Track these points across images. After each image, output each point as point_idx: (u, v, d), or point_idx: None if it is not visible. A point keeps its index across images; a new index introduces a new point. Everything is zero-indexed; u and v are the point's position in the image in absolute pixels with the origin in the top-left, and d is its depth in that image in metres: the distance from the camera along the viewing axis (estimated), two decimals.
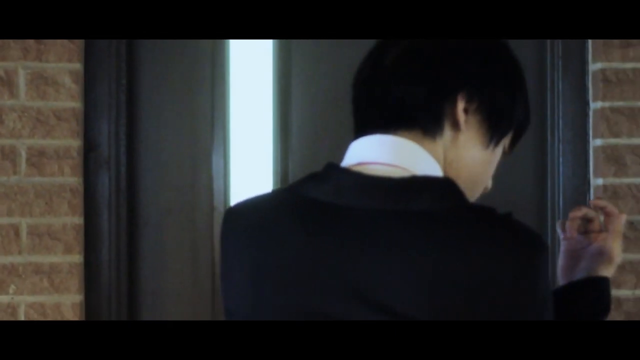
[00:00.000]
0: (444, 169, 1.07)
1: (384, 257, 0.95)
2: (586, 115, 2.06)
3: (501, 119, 1.10)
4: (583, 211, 1.35)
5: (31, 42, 1.90)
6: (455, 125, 1.06)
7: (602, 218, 1.36)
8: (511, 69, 1.12)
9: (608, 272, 1.31)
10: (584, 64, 2.06)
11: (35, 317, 1.89)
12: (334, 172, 1.06)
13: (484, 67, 1.08)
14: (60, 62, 1.91)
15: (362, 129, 1.09)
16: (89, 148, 1.98)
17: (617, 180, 1.99)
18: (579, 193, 2.06)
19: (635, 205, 1.98)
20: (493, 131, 1.09)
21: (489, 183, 1.16)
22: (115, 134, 1.99)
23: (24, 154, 1.90)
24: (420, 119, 1.05)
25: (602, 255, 1.32)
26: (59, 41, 1.90)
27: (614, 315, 1.96)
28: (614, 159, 1.99)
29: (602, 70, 1.99)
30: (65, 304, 1.90)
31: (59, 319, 1.89)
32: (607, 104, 1.99)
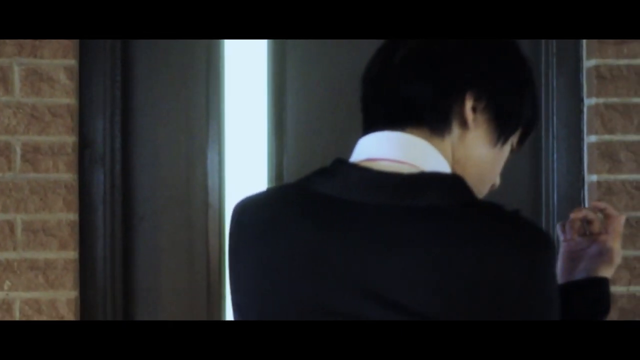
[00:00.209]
0: (452, 166, 1.07)
1: (392, 253, 0.95)
2: (580, 111, 2.06)
3: (509, 118, 1.10)
4: (583, 213, 1.35)
5: None
6: (464, 124, 1.07)
7: (600, 217, 1.37)
8: (520, 67, 1.13)
9: (608, 272, 1.31)
10: (578, 60, 2.06)
11: (30, 313, 1.89)
12: (343, 168, 1.06)
13: (492, 65, 1.09)
14: (55, 58, 1.91)
15: (371, 125, 1.10)
16: (84, 144, 1.98)
17: (611, 177, 2.00)
18: (574, 189, 2.07)
19: (630, 202, 1.99)
20: (501, 129, 1.10)
21: (497, 180, 1.16)
22: (110, 131, 1.99)
23: (18, 150, 1.90)
24: (428, 117, 1.06)
25: (602, 256, 1.32)
26: None
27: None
28: (608, 155, 1.99)
29: (597, 67, 2.00)
30: (60, 300, 1.90)
31: (54, 315, 1.89)
32: (601, 101, 2.00)
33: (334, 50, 2.06)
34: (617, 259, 1.33)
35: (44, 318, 1.89)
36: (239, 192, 2.07)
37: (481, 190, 1.13)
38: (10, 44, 1.89)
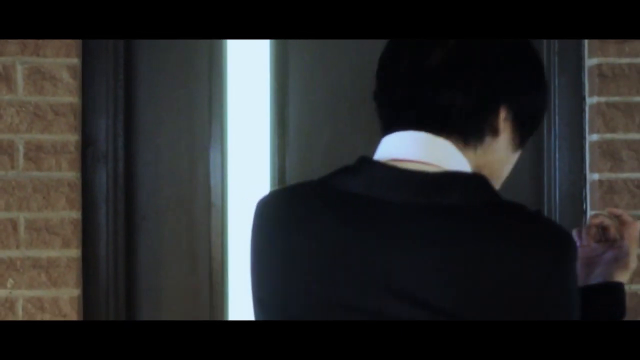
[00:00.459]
0: (473, 169, 1.08)
1: (416, 250, 0.96)
2: (582, 110, 2.06)
3: (532, 123, 1.12)
4: (600, 219, 1.37)
5: None
6: (494, 133, 1.08)
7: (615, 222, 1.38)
8: (540, 72, 1.14)
9: (623, 278, 1.34)
10: (580, 59, 2.06)
11: (33, 311, 1.90)
12: (367, 166, 1.06)
13: (523, 74, 1.10)
14: (58, 57, 1.91)
15: (394, 125, 1.09)
16: (87, 143, 1.98)
17: (613, 176, 2.00)
18: (575, 188, 2.07)
19: (631, 200, 1.99)
20: (525, 135, 1.12)
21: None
22: (113, 129, 1.99)
23: (21, 149, 1.90)
24: (462, 126, 1.06)
25: (618, 262, 1.34)
26: None
27: None
28: (610, 154, 1.99)
29: (598, 66, 2.00)
30: (63, 298, 1.90)
31: (56, 313, 1.90)
32: (603, 99, 2.00)
33: (336, 50, 2.07)
34: (633, 265, 1.35)
35: (47, 316, 1.90)
36: (242, 192, 2.08)
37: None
38: (13, 43, 1.90)
